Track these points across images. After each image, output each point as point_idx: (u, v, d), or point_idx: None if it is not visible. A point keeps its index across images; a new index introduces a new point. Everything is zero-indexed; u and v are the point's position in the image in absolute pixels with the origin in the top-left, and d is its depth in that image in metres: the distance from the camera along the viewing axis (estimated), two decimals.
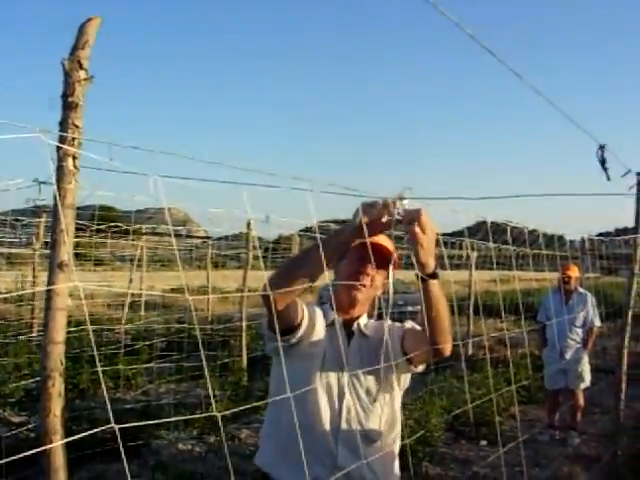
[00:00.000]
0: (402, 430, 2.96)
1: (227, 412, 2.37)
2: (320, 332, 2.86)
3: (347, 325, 2.96)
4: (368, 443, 2.82)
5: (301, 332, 2.74)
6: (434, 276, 2.52)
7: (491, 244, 7.39)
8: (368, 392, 2.87)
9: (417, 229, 2.37)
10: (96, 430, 1.84)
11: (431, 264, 2.49)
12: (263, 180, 2.80)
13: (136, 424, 2.03)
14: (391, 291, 2.84)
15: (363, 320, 3.02)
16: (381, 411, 2.88)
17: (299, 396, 2.46)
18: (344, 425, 2.79)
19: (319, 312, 2.94)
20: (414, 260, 2.49)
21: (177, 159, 2.43)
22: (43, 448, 2.47)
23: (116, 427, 1.58)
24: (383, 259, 2.80)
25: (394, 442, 2.99)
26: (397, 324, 3.03)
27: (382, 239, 2.85)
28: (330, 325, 2.90)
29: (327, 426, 2.78)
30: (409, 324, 3.01)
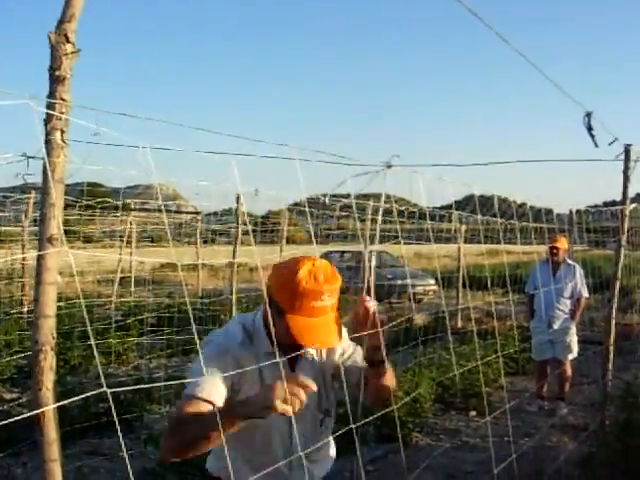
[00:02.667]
0: (391, 400, 2.93)
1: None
2: (251, 375, 2.53)
3: (293, 348, 2.57)
4: (316, 459, 2.80)
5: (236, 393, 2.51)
6: (382, 361, 2.57)
7: (479, 217, 7.46)
8: (316, 414, 2.76)
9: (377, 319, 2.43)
10: (89, 394, 1.87)
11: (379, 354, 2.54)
12: (251, 148, 2.78)
13: (128, 388, 2.04)
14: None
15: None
16: (328, 426, 2.85)
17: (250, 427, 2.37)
18: (294, 449, 2.55)
19: (233, 355, 2.55)
20: (367, 350, 2.56)
21: (167, 129, 2.44)
22: (35, 412, 2.49)
23: (108, 391, 1.61)
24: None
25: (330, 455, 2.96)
26: (359, 352, 2.82)
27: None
28: (267, 350, 2.55)
29: (278, 451, 2.65)
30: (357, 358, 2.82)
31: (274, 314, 2.47)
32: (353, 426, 2.46)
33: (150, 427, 7.31)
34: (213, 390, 2.42)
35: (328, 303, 2.47)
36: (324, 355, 2.77)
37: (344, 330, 2.76)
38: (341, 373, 2.63)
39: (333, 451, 2.96)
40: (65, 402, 1.81)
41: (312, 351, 2.71)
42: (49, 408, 2.57)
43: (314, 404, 2.69)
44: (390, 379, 2.67)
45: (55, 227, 2.56)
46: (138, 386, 2.33)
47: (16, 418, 1.80)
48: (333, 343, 2.54)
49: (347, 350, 2.83)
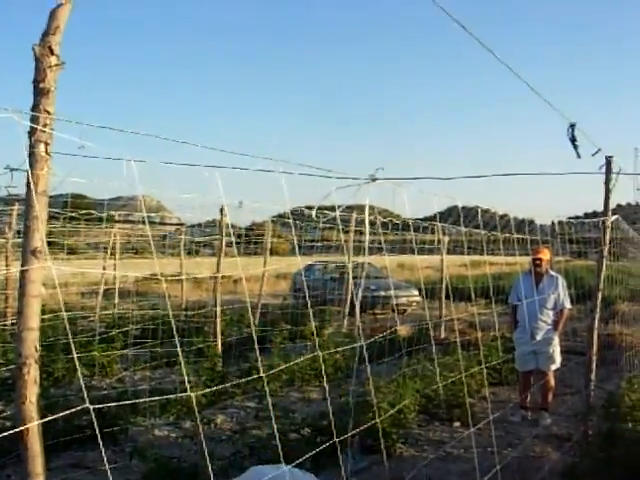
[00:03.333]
0: (375, 412, 2.92)
1: (202, 392, 2.39)
2: None
3: None
4: None
5: None
6: None
7: (462, 228, 7.48)
8: None
9: None
10: (72, 410, 1.87)
11: None
12: (236, 161, 2.79)
13: (110, 404, 2.05)
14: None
15: None
16: None
17: None
18: None
19: None
20: None
21: (152, 141, 2.44)
22: (20, 429, 2.48)
23: (90, 407, 1.61)
24: None
25: None
26: None
27: None
28: None
29: None
30: None
31: None
32: (336, 440, 2.46)
33: (135, 440, 7.27)
34: None
35: None
36: None
37: None
38: None
39: None
40: (49, 419, 1.81)
41: None
42: (34, 424, 2.56)
43: None
44: None
45: (39, 240, 2.56)
46: (120, 403, 2.32)
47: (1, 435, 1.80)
48: None
49: None
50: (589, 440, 6.72)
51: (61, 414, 1.80)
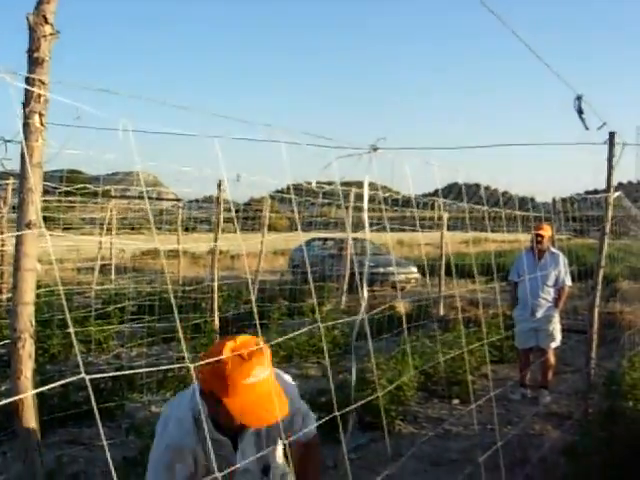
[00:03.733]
0: (375, 388, 2.89)
1: (200, 364, 2.31)
2: (200, 458, 2.56)
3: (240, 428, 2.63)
4: None
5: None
6: None
7: (465, 204, 7.40)
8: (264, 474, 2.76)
9: None
10: (67, 381, 1.80)
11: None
12: (236, 128, 2.71)
13: (107, 375, 2.00)
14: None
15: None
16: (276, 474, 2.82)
17: None
18: None
19: (181, 452, 2.54)
20: None
21: (150, 110, 2.37)
22: (14, 399, 2.43)
23: (86, 377, 1.55)
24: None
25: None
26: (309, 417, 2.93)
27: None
28: (210, 433, 2.47)
29: None
30: (309, 434, 2.88)
31: (213, 404, 2.45)
32: (337, 413, 2.41)
33: (131, 416, 7.24)
34: None
35: (262, 376, 2.42)
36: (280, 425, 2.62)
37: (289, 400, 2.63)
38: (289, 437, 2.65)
39: None
40: (44, 388, 1.74)
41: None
42: (28, 395, 2.51)
43: (257, 469, 2.73)
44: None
45: (33, 213, 2.50)
46: (117, 373, 2.28)
47: None
48: (275, 417, 2.43)
49: (296, 420, 2.84)
50: (589, 418, 6.69)
51: (56, 384, 1.74)
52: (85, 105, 2.17)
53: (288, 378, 2.92)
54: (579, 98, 5.11)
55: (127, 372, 2.31)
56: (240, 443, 2.63)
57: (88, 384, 1.55)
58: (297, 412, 2.82)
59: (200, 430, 2.47)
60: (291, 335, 8.68)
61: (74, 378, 1.67)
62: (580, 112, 5.13)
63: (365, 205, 2.61)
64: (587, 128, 5.23)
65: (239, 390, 2.37)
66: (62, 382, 1.80)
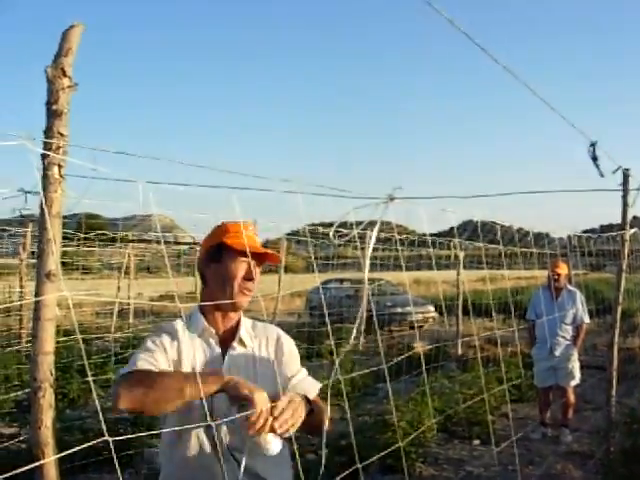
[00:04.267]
0: (395, 432, 2.85)
1: None
2: (186, 352, 2.58)
3: (224, 334, 2.67)
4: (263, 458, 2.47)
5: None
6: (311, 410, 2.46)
7: (480, 243, 7.41)
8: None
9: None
10: (91, 443, 1.82)
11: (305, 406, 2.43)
12: (253, 183, 2.78)
13: (129, 437, 2.00)
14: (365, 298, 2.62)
15: (246, 325, 2.75)
16: None
17: (181, 424, 2.40)
18: (231, 442, 2.52)
19: (171, 334, 2.63)
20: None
21: (163, 164, 2.41)
22: (36, 464, 2.44)
23: (110, 439, 1.56)
24: (261, 261, 2.74)
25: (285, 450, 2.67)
26: (289, 346, 2.80)
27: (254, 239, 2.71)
28: (201, 335, 2.63)
29: (207, 460, 2.51)
30: (298, 379, 2.73)
31: (213, 275, 2.67)
32: (359, 465, 2.41)
33: (150, 462, 7.22)
34: (155, 357, 2.51)
35: (253, 234, 2.70)
36: (257, 349, 2.71)
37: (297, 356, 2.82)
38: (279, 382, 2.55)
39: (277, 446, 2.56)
40: (66, 453, 1.76)
41: (246, 340, 2.68)
42: (49, 453, 2.52)
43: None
44: (320, 415, 2.55)
45: (53, 263, 2.52)
46: (138, 435, 2.31)
47: (18, 470, 1.75)
48: (266, 251, 2.69)
49: (289, 365, 2.75)
50: (611, 457, 6.62)
51: (78, 448, 1.75)
52: (102, 160, 2.21)
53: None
54: (593, 145, 5.14)
55: (146, 433, 2.38)
56: (227, 357, 2.61)
57: (112, 446, 1.57)
58: (291, 357, 2.76)
59: (191, 321, 2.65)
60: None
61: (97, 441, 1.69)
62: (595, 159, 5.14)
63: (370, 247, 2.61)
64: (602, 175, 5.24)
65: (236, 235, 2.58)
66: (85, 446, 1.82)
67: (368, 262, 2.77)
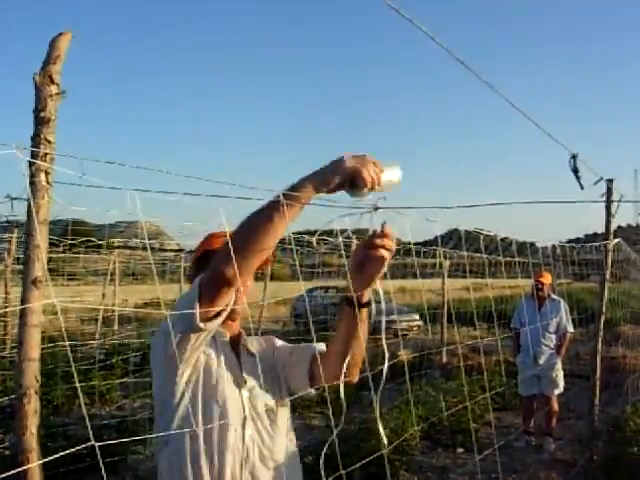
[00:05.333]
0: (379, 440, 2.83)
1: None
2: (213, 352, 2.48)
3: (230, 341, 2.59)
4: (277, 469, 2.50)
5: (220, 320, 2.21)
6: (367, 304, 2.39)
7: (464, 252, 7.45)
8: (269, 415, 2.54)
9: (393, 247, 2.21)
10: (77, 449, 1.83)
11: (369, 291, 2.36)
12: (240, 193, 2.78)
13: (115, 441, 2.00)
14: (383, 304, 2.61)
15: (244, 336, 2.67)
16: (284, 429, 2.60)
17: (206, 421, 2.34)
18: (251, 455, 2.43)
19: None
20: (356, 283, 2.32)
21: (150, 173, 2.42)
22: (21, 469, 2.45)
23: (96, 445, 1.57)
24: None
25: (296, 459, 2.68)
26: (302, 345, 2.75)
27: None
28: (214, 341, 2.48)
29: (232, 457, 2.39)
30: (321, 346, 2.66)
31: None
32: (343, 472, 2.41)
33: (135, 469, 7.21)
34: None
35: None
36: (265, 347, 2.71)
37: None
38: (317, 362, 2.53)
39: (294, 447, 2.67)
40: (51, 458, 1.76)
41: (251, 349, 2.63)
42: (34, 459, 2.52)
43: (262, 400, 2.54)
44: (366, 322, 2.45)
45: (39, 269, 2.53)
46: (124, 440, 2.29)
47: (2, 475, 1.76)
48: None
49: (294, 359, 2.69)
50: (594, 465, 6.66)
51: (64, 452, 1.75)
52: (89, 172, 2.22)
53: None
54: (574, 157, 5.17)
55: (134, 438, 2.33)
56: (242, 364, 2.55)
57: (97, 451, 1.57)
58: (293, 350, 2.70)
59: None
60: (299, 395, 8.69)
61: (83, 445, 1.70)
62: (575, 171, 5.17)
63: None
64: (582, 187, 5.27)
65: (222, 237, 2.42)
66: (72, 451, 1.83)
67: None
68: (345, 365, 2.43)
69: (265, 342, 2.75)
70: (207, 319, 2.13)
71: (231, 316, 2.47)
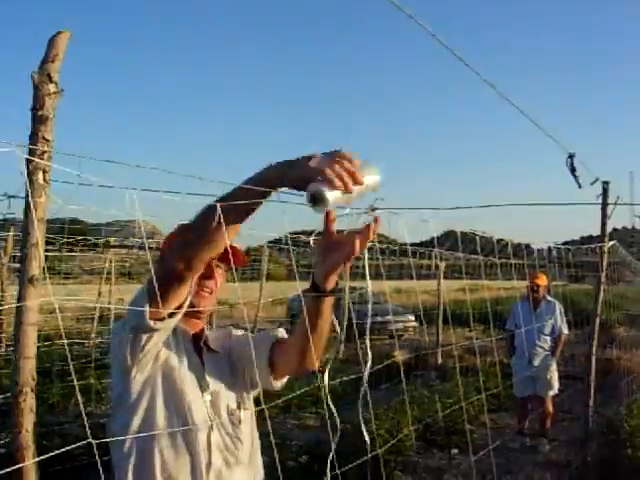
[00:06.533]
0: (375, 440, 2.81)
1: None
2: (174, 351, 2.37)
3: (193, 339, 2.49)
4: (241, 474, 2.45)
5: (174, 319, 2.13)
6: (332, 292, 2.26)
7: (460, 254, 7.46)
8: (232, 414, 2.45)
9: (372, 234, 2.09)
10: (73, 446, 1.83)
11: (334, 279, 2.23)
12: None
13: (112, 439, 1.99)
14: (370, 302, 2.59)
15: (206, 332, 2.56)
16: (248, 431, 2.52)
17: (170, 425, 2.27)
18: (215, 460, 2.35)
19: None
20: (323, 270, 2.18)
21: (146, 172, 2.42)
22: (16, 467, 2.45)
23: (94, 442, 1.58)
24: (224, 259, 2.38)
25: (259, 457, 2.61)
26: (261, 332, 2.70)
27: None
28: (177, 337, 2.36)
29: (196, 458, 2.31)
30: (280, 333, 2.61)
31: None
32: (338, 471, 2.41)
33: None
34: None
35: None
36: (224, 344, 2.58)
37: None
38: (278, 350, 2.49)
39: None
40: (48, 455, 1.76)
41: (215, 342, 2.53)
42: (30, 457, 2.53)
43: (225, 403, 2.45)
44: (330, 310, 2.33)
45: (36, 268, 2.54)
46: (121, 437, 2.25)
47: None
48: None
49: (258, 335, 2.63)
50: (588, 467, 6.67)
51: (61, 450, 1.75)
52: (86, 170, 2.22)
53: None
54: (571, 157, 5.19)
55: (130, 437, 2.29)
56: (205, 363, 2.46)
57: (95, 450, 1.57)
58: (251, 339, 2.46)
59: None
60: (295, 394, 8.67)
61: (80, 443, 1.69)
62: (573, 170, 5.19)
63: (366, 258, 2.63)
64: (580, 186, 5.29)
65: None
66: (70, 447, 1.82)
67: (367, 269, 2.76)
68: (306, 354, 2.35)
69: (223, 336, 2.63)
70: (160, 318, 2.06)
71: (196, 314, 2.45)
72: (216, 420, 2.34)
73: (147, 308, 2.01)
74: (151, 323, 2.04)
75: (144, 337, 2.12)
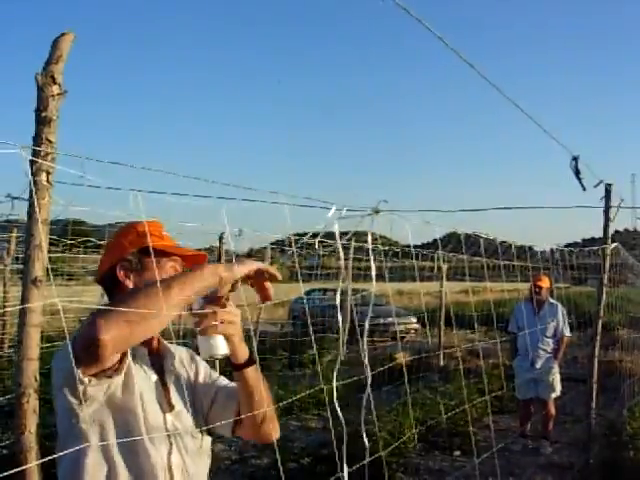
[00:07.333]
0: (376, 442, 2.80)
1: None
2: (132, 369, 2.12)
3: (151, 357, 2.30)
4: None
5: (124, 369, 1.98)
6: (248, 363, 2.23)
7: (464, 256, 7.46)
8: (192, 439, 2.31)
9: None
10: (76, 448, 1.83)
11: (245, 347, 2.22)
12: (242, 195, 2.77)
13: (117, 441, 1.97)
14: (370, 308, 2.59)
15: (166, 345, 2.41)
16: (206, 457, 2.39)
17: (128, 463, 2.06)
18: (177, 476, 2.18)
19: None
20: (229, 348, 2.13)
21: (150, 173, 2.42)
22: (19, 469, 2.45)
23: (98, 444, 1.58)
24: (188, 265, 2.36)
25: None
26: (228, 386, 2.46)
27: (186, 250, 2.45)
28: (133, 358, 2.11)
29: None
30: (223, 382, 2.48)
31: (135, 286, 2.25)
32: (340, 474, 2.40)
33: None
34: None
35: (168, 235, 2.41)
36: (186, 366, 2.44)
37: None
38: (218, 402, 2.39)
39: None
40: (50, 458, 1.76)
41: (175, 359, 2.38)
42: (33, 458, 2.52)
43: (187, 423, 2.31)
44: (258, 377, 2.29)
45: (40, 269, 2.53)
46: (121, 440, 2.19)
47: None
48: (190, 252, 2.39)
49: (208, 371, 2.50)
50: (591, 469, 6.67)
51: (64, 452, 1.75)
52: (90, 172, 2.21)
53: None
54: (575, 159, 5.18)
55: (129, 439, 2.24)
56: (166, 382, 2.30)
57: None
58: (218, 389, 2.43)
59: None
60: (299, 396, 8.65)
61: (82, 445, 1.69)
62: (577, 173, 5.18)
63: (372, 260, 2.63)
64: (584, 189, 5.28)
65: (159, 233, 2.35)
66: (72, 450, 1.82)
67: (374, 274, 2.76)
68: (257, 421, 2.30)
69: (185, 360, 2.46)
70: (97, 374, 1.91)
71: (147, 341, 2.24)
72: (177, 441, 2.22)
73: (77, 371, 1.85)
74: (86, 380, 1.90)
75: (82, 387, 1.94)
